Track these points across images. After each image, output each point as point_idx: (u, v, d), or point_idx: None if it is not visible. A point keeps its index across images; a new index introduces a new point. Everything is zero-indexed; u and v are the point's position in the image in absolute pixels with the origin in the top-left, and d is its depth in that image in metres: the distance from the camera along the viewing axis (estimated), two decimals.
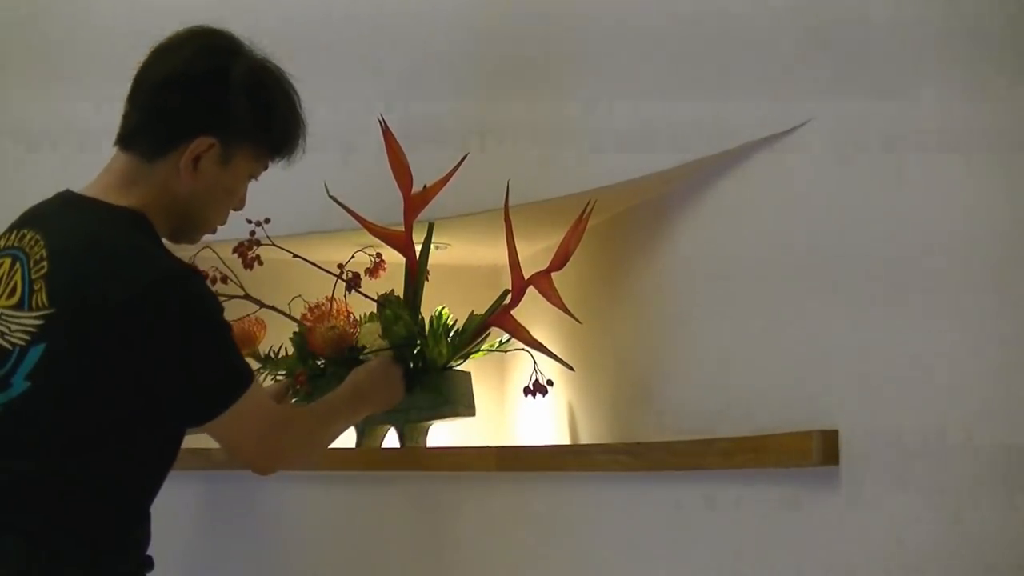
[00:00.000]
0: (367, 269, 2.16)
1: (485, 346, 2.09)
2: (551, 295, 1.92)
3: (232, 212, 1.70)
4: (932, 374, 1.39)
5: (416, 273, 2.06)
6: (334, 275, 2.09)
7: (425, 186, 1.99)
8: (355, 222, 2.03)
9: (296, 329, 2.14)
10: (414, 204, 2.00)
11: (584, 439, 2.26)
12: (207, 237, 1.71)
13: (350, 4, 2.23)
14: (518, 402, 2.40)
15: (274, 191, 1.86)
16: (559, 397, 2.28)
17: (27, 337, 1.45)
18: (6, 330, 1.46)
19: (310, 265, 2.08)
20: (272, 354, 2.17)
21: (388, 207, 2.01)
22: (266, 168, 1.67)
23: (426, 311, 2.06)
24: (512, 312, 1.98)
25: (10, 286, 1.48)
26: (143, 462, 1.53)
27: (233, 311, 2.03)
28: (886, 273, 1.46)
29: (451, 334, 2.05)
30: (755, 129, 1.67)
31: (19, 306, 1.46)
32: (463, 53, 2.11)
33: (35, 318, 1.45)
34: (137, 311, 1.43)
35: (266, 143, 1.63)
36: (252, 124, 1.59)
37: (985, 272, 1.34)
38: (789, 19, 1.61)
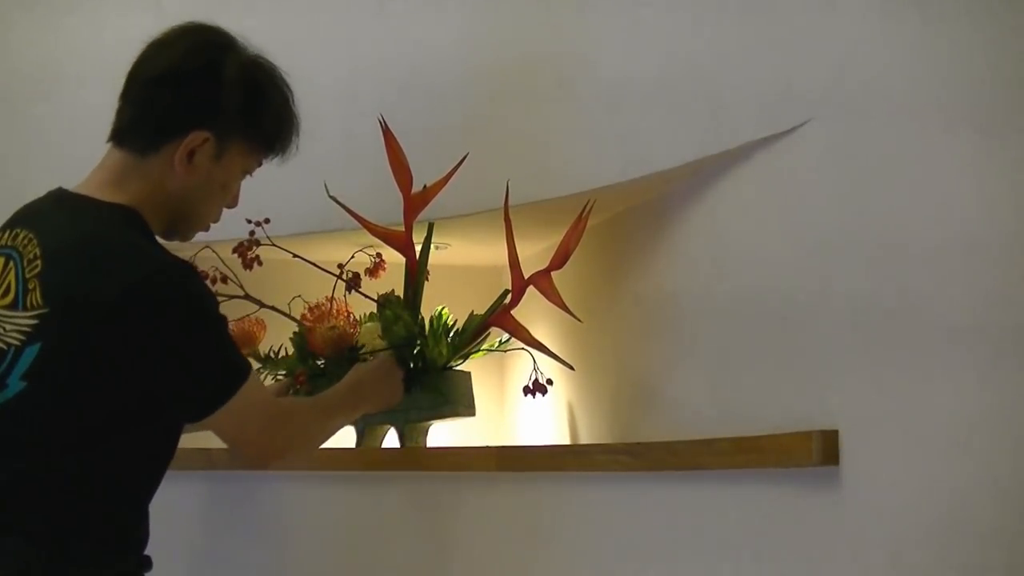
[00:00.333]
0: (367, 269, 2.16)
1: (485, 346, 2.09)
2: (551, 295, 1.92)
3: (231, 212, 1.70)
4: (932, 374, 1.39)
5: (416, 273, 2.06)
6: (334, 275, 2.09)
7: (425, 186, 1.99)
8: (355, 222, 2.03)
9: (296, 329, 2.14)
10: (414, 204, 2.00)
11: (584, 439, 2.26)
12: (208, 237, 1.71)
13: (350, 4, 2.23)
14: (518, 402, 2.40)
15: (274, 191, 1.86)
16: (559, 397, 2.28)
17: (22, 337, 1.45)
18: (1, 330, 1.46)
19: (310, 265, 2.08)
20: (272, 354, 2.17)
21: (388, 207, 2.01)
22: (260, 165, 1.67)
23: (426, 311, 2.06)
24: (512, 312, 1.98)
25: (4, 286, 1.48)
26: (141, 461, 1.53)
27: (233, 311, 2.03)
28: (885, 271, 1.46)
29: (451, 334, 2.05)
30: (755, 129, 1.67)
31: (13, 306, 1.46)
32: (463, 53, 2.11)
33: (30, 318, 1.45)
34: (133, 307, 1.43)
35: (259, 138, 1.63)
36: (245, 118, 1.59)
37: (986, 269, 1.34)
38: (789, 18, 1.61)
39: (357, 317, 2.13)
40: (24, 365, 1.44)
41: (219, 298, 1.96)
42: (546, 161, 2.00)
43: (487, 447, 2.04)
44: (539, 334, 2.00)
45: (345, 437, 2.06)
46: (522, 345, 1.99)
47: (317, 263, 2.09)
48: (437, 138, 2.07)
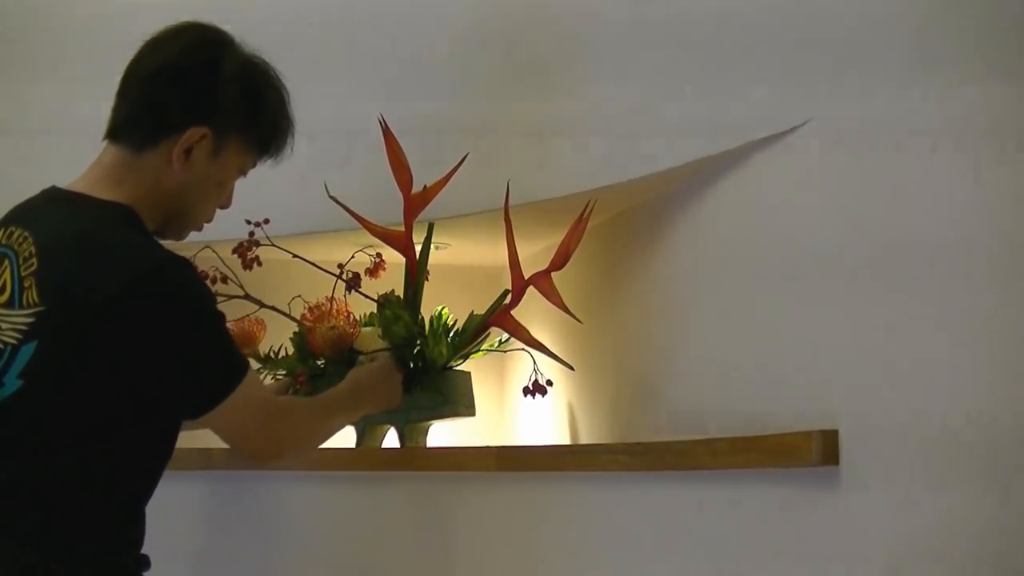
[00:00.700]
0: (367, 269, 2.16)
1: (485, 346, 2.09)
2: (551, 295, 1.92)
3: (231, 212, 1.70)
4: (932, 373, 1.39)
5: (416, 273, 2.06)
6: (334, 275, 2.09)
7: (425, 186, 1.99)
8: (355, 222, 2.03)
9: (296, 329, 2.14)
10: (414, 204, 2.00)
11: (584, 439, 2.26)
12: (208, 237, 1.71)
13: (350, 3, 2.23)
14: (518, 402, 2.40)
15: (274, 191, 1.86)
16: (559, 397, 2.28)
17: (19, 335, 1.44)
18: None
19: (310, 265, 2.08)
20: (272, 354, 2.17)
21: (388, 207, 2.01)
22: (255, 165, 1.67)
23: (426, 311, 2.06)
24: (512, 312, 1.98)
25: None
26: (138, 460, 1.52)
27: (233, 311, 2.03)
28: (886, 272, 1.46)
29: (451, 334, 2.05)
30: (755, 129, 1.67)
31: (9, 304, 1.46)
32: (463, 52, 2.11)
33: (26, 316, 1.44)
34: (133, 303, 1.42)
35: (256, 137, 1.63)
36: (243, 116, 1.59)
37: (986, 271, 1.34)
38: (789, 18, 1.61)
39: (357, 317, 2.13)
40: (21, 364, 1.44)
41: (219, 298, 1.97)
42: (546, 161, 2.00)
43: (487, 447, 2.04)
44: (539, 334, 2.00)
45: (345, 437, 2.06)
46: (522, 345, 1.99)
47: (317, 263, 2.08)
48: (437, 138, 2.07)
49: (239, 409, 1.52)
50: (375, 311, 2.10)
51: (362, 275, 2.13)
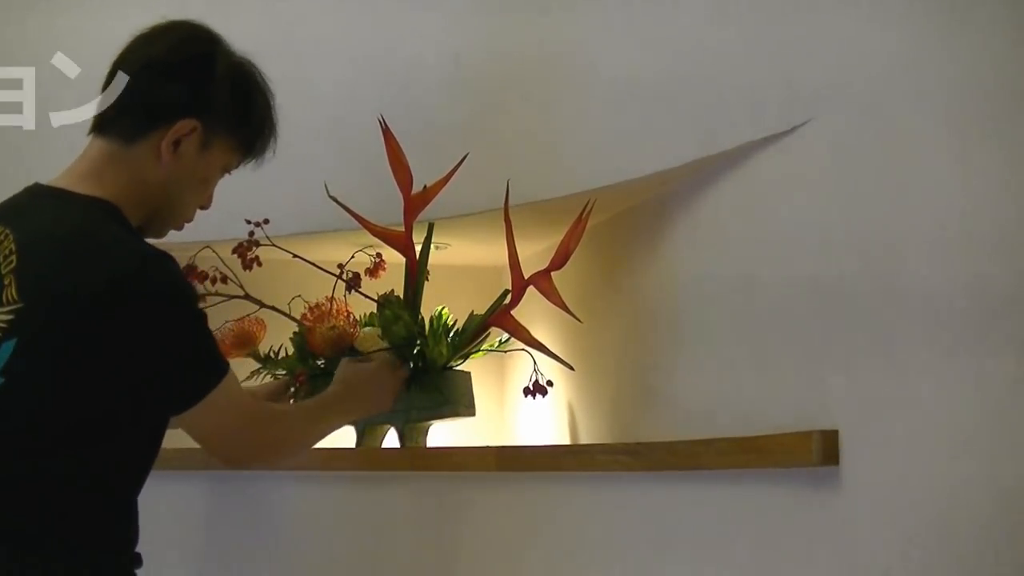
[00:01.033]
0: (367, 269, 2.16)
1: (485, 346, 2.09)
2: (551, 295, 1.92)
3: (230, 212, 1.70)
4: (932, 373, 1.39)
5: (416, 273, 2.06)
6: (334, 275, 2.09)
7: (425, 186, 1.99)
8: (355, 222, 2.03)
9: (296, 329, 2.14)
10: (414, 204, 2.00)
11: (584, 439, 2.26)
12: (207, 237, 1.71)
13: (350, 3, 2.23)
14: (518, 402, 2.40)
15: (274, 191, 1.86)
16: (559, 397, 2.28)
17: None
18: None
19: (310, 265, 2.08)
20: (272, 354, 2.17)
21: (388, 207, 2.01)
22: (238, 165, 1.67)
23: (426, 311, 2.06)
24: (512, 312, 1.98)
25: None
26: (125, 457, 1.50)
27: (233, 311, 2.04)
28: (886, 272, 1.46)
29: (451, 334, 2.05)
30: (755, 129, 1.67)
31: None
32: (463, 52, 2.11)
33: (6, 313, 1.43)
34: (118, 298, 1.41)
35: (243, 136, 1.63)
36: (232, 114, 1.59)
37: (987, 269, 1.34)
38: (789, 18, 1.62)
39: (357, 317, 2.13)
40: (1, 361, 1.42)
41: (219, 298, 1.97)
42: (546, 161, 2.00)
43: (487, 447, 2.04)
44: (539, 334, 2.00)
45: (345, 437, 2.07)
46: (522, 345, 1.99)
47: (317, 263, 2.08)
48: (437, 138, 2.07)
49: (221, 409, 1.52)
50: (375, 311, 2.10)
51: (362, 275, 2.13)
